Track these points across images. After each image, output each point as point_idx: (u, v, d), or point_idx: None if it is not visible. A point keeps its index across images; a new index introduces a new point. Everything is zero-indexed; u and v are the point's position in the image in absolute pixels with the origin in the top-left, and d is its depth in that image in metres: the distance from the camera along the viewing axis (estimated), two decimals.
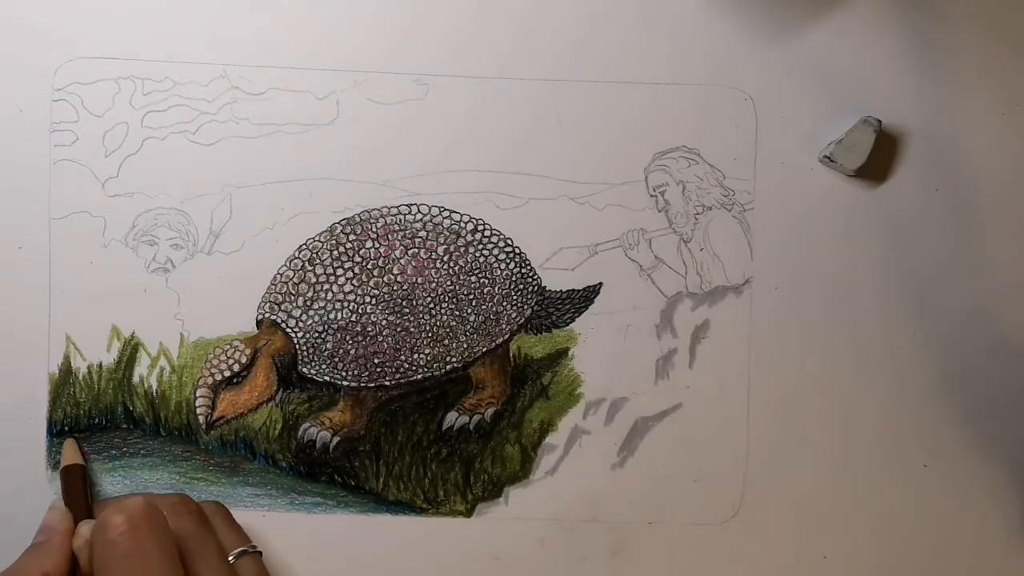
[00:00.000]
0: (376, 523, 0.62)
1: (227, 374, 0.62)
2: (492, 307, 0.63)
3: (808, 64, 0.63)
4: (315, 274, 0.62)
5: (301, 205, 0.62)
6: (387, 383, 0.62)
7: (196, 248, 0.62)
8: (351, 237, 0.62)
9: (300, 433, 0.62)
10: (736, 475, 0.63)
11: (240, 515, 0.61)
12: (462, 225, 0.63)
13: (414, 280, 0.62)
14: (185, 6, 0.62)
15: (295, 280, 0.62)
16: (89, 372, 0.62)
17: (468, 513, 0.63)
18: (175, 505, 0.55)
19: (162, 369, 0.62)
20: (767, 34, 0.63)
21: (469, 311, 0.63)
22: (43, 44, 0.61)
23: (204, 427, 0.62)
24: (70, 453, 0.61)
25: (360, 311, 0.62)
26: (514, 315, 0.63)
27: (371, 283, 0.62)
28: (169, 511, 0.54)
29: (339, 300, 0.62)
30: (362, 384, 0.62)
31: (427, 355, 0.62)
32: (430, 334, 0.62)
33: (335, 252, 0.62)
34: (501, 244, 0.63)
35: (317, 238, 0.62)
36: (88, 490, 0.60)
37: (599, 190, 0.63)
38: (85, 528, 0.55)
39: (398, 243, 0.62)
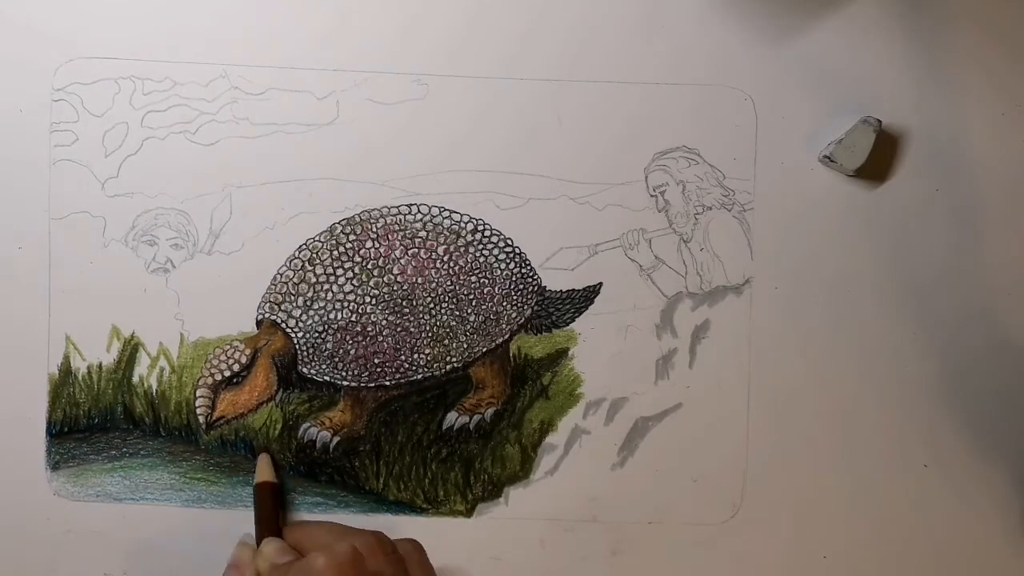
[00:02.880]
0: (376, 523, 0.62)
1: (227, 374, 0.62)
2: (492, 307, 0.63)
3: (808, 64, 0.63)
4: (315, 274, 0.62)
5: (301, 205, 0.62)
6: (387, 383, 0.62)
7: (196, 248, 0.62)
8: (351, 237, 0.62)
9: (300, 433, 0.62)
10: (736, 475, 0.63)
11: (240, 515, 0.61)
12: (462, 225, 0.63)
13: (414, 280, 0.62)
14: (185, 6, 0.62)
15: (295, 280, 0.62)
16: (89, 372, 0.62)
17: (468, 513, 0.63)
18: (372, 545, 0.54)
19: (162, 369, 0.62)
20: (767, 34, 0.63)
21: (469, 311, 0.63)
22: (43, 44, 0.61)
23: (204, 427, 0.62)
24: (264, 470, 0.61)
25: (360, 311, 0.62)
26: (514, 315, 0.63)
27: (371, 283, 0.62)
28: (367, 551, 0.53)
29: (339, 300, 0.62)
30: (362, 384, 0.62)
31: (427, 355, 0.62)
32: (430, 334, 0.62)
33: (335, 252, 0.62)
34: (501, 244, 0.63)
35: (317, 238, 0.62)
36: (279, 508, 0.60)
37: (599, 190, 0.63)
38: (269, 548, 0.55)
39: (398, 243, 0.62)
